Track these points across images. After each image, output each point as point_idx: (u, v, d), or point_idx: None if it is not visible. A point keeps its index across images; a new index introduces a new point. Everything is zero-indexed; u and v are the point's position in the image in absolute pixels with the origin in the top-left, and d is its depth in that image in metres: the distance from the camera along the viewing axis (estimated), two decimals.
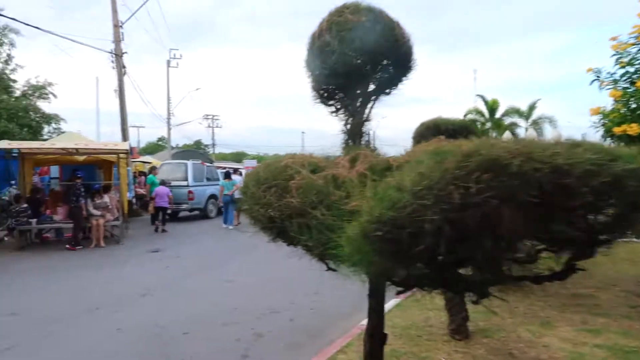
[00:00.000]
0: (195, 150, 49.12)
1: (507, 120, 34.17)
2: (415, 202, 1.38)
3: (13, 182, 13.54)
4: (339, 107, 2.81)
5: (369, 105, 2.73)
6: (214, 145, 60.38)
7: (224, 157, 73.14)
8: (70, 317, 6.00)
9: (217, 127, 57.57)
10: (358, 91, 2.69)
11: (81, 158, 14.63)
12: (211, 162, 29.03)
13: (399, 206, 1.43)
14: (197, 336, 5.26)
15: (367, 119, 2.73)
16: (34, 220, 11.48)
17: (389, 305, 6.00)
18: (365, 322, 5.52)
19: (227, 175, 16.11)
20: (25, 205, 11.51)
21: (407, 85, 2.67)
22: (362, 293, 6.59)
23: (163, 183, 15.01)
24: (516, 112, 33.09)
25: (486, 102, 34.56)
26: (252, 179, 2.38)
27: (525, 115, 32.60)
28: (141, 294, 7.08)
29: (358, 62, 2.48)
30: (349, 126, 2.75)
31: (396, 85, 2.72)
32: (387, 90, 2.72)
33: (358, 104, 2.71)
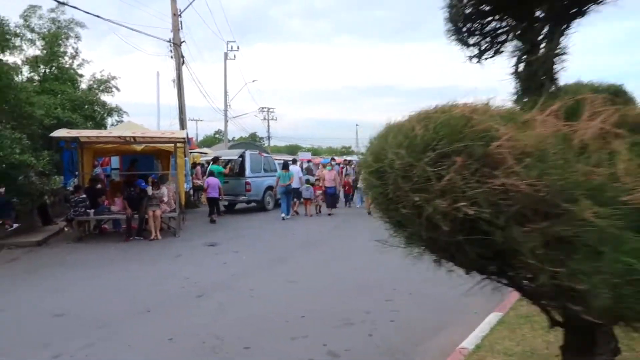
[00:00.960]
0: (252, 143, 49.21)
1: None
2: None
3: (77, 173, 13.44)
4: (487, 46, 1.77)
5: (561, 30, 1.68)
6: (269, 137, 60.39)
7: (278, 150, 73.37)
8: (119, 321, 5.35)
9: (272, 119, 57.47)
10: (540, 11, 1.64)
11: (139, 148, 14.35)
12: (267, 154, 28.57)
13: None
14: (261, 353, 4.40)
15: (560, 52, 1.68)
16: (91, 211, 11.19)
17: (488, 320, 4.89)
18: (465, 343, 4.44)
19: (285, 166, 15.57)
20: (83, 195, 11.24)
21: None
22: (443, 302, 5.39)
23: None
24: None
25: None
26: (396, 143, 1.39)
27: None
28: (197, 295, 6.35)
29: None
30: (522, 66, 1.72)
31: None
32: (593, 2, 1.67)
33: (543, 30, 1.66)
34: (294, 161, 17.72)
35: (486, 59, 1.89)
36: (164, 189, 11.77)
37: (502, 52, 1.90)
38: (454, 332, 4.76)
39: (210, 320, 5.30)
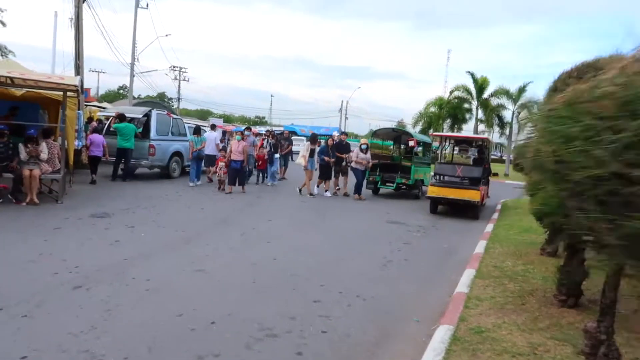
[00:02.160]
0: (159, 102, 45.61)
1: (495, 102, 32.81)
2: None
3: None
4: None
5: None
6: (179, 99, 56.69)
7: (187, 113, 69.49)
8: None
9: (184, 80, 53.83)
10: None
11: (19, 93, 11.98)
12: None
13: None
14: None
15: None
16: None
17: (440, 337, 4.13)
18: None
19: (197, 131, 14.18)
20: None
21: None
22: (379, 304, 4.60)
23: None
24: (505, 93, 31.75)
25: (475, 80, 32.99)
26: None
27: (514, 98, 31.30)
28: (74, 286, 4.94)
29: None
30: None
31: None
32: None
33: None
34: (213, 127, 16.06)
35: None
36: (43, 145, 9.77)
37: None
38: (399, 350, 3.95)
39: (87, 326, 3.98)
